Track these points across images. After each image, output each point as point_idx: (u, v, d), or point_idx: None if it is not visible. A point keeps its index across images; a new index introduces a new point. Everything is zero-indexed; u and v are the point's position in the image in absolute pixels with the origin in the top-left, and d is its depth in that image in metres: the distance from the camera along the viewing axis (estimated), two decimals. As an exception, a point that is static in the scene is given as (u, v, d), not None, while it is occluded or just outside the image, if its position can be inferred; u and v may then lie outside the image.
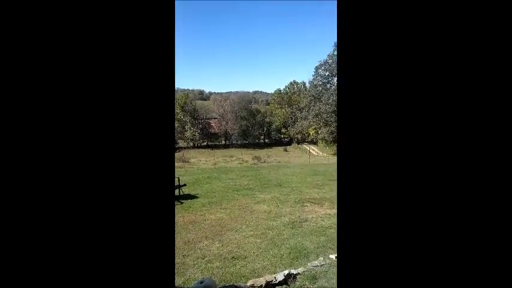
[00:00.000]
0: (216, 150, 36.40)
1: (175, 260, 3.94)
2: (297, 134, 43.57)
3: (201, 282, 2.73)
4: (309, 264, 3.53)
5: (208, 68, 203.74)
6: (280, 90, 50.30)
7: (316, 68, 35.07)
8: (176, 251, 4.27)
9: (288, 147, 42.71)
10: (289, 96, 48.14)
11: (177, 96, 45.61)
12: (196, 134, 42.91)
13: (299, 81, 50.10)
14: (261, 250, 4.30)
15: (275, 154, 32.23)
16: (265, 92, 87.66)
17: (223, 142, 47.39)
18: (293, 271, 3.23)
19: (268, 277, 3.09)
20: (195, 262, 3.91)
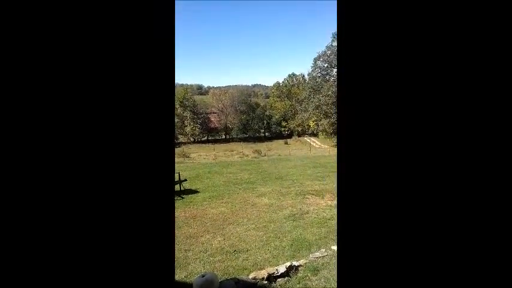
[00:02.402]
0: (216, 145, 36.38)
1: (177, 255, 3.95)
2: (297, 126, 43.44)
3: (203, 276, 2.72)
4: (310, 255, 3.52)
5: (206, 63, 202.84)
6: (279, 83, 49.99)
7: (315, 60, 34.81)
8: (178, 246, 4.28)
9: (288, 140, 42.56)
10: (289, 89, 47.83)
11: (175, 91, 45.42)
12: (197, 129, 42.80)
13: (298, 73, 49.87)
14: (262, 243, 4.30)
15: (276, 147, 32.20)
16: (265, 85, 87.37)
17: (224, 136, 47.32)
18: (295, 263, 3.23)
19: (270, 269, 3.08)
20: (197, 256, 3.91)
